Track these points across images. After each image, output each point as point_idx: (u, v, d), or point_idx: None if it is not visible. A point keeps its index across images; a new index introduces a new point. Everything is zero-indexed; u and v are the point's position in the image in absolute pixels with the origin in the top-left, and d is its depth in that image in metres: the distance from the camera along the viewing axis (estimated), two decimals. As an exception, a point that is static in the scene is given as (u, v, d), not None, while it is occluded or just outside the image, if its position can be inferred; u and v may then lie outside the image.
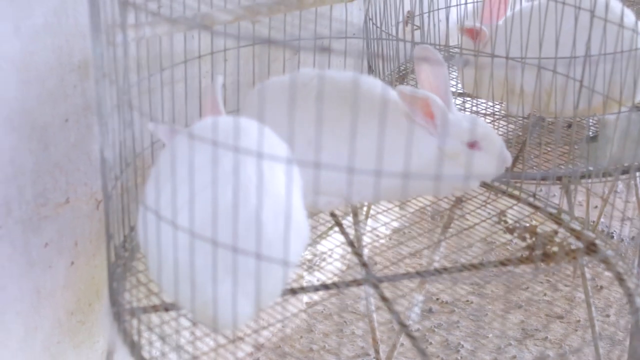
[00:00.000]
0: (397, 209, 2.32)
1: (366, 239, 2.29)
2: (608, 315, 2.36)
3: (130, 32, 1.68)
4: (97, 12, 1.61)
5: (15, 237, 1.96)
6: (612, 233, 2.57)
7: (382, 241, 2.39)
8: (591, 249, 2.04)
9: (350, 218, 2.28)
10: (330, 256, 2.26)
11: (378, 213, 2.23)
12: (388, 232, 2.54)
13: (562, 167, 2.32)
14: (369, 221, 2.50)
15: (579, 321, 2.32)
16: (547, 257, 2.01)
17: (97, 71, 1.63)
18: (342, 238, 2.13)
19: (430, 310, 2.42)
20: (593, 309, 2.19)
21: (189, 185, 1.45)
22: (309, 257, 2.05)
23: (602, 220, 2.66)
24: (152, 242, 1.53)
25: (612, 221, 1.91)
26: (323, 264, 1.99)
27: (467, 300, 1.80)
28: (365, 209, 2.56)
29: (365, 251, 2.21)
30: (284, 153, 1.63)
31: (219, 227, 1.44)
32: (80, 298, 2.16)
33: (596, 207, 3.04)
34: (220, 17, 1.86)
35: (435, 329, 1.92)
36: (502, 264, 1.98)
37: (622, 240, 1.90)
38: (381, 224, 2.22)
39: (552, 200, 2.18)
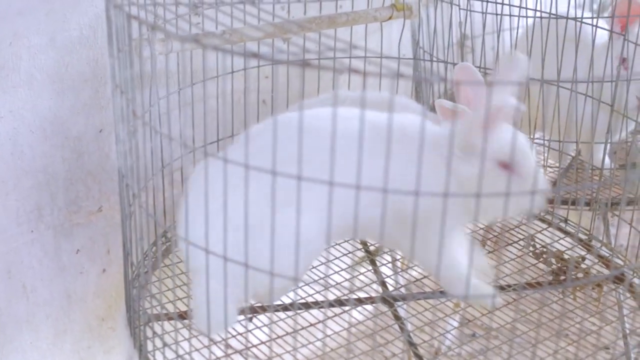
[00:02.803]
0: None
1: (387, 257, 2.29)
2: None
3: (154, 47, 1.73)
4: (110, 24, 1.66)
5: (47, 242, 2.02)
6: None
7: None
8: (618, 277, 2.01)
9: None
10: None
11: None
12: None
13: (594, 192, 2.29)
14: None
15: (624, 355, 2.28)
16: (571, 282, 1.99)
17: (111, 83, 1.68)
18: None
19: (473, 335, 2.41)
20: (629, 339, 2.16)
21: None
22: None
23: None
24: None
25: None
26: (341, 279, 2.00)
27: (512, 326, 1.79)
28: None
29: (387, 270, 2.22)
30: None
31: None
32: (112, 305, 2.22)
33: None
34: (250, 34, 1.90)
35: (477, 355, 1.91)
36: (528, 286, 1.96)
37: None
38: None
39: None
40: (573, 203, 2.23)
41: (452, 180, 1.58)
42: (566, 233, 2.19)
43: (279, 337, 1.72)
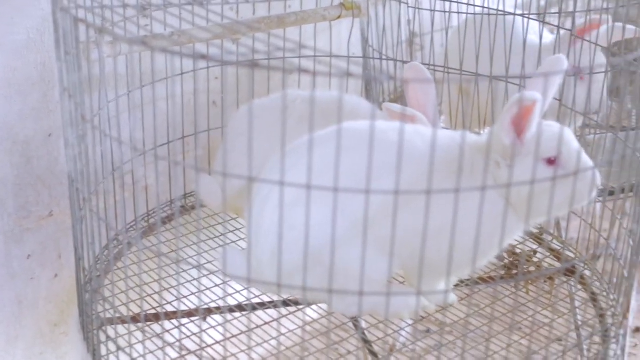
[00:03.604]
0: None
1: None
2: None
3: (102, 50, 1.72)
4: (57, 28, 1.65)
5: (-3, 248, 2.01)
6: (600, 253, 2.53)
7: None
8: (570, 270, 2.03)
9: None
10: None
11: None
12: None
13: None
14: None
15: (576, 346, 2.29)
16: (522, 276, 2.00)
17: (59, 86, 1.67)
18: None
19: (428, 331, 2.41)
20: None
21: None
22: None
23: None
24: None
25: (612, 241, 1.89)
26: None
27: (465, 321, 1.79)
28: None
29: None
30: None
31: None
32: (64, 310, 2.20)
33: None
34: (198, 36, 1.89)
35: (432, 350, 1.91)
36: (476, 282, 1.97)
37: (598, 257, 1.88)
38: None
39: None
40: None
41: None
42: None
43: (233, 336, 1.72)
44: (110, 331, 1.71)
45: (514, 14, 2.33)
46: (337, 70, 1.28)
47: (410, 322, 2.29)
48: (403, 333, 2.03)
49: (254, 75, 1.41)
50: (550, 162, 1.59)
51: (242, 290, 1.88)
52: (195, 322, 1.78)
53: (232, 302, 1.84)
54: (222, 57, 1.38)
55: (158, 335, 1.64)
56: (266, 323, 1.80)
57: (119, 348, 1.66)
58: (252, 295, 1.73)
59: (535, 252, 2.11)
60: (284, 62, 1.86)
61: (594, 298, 1.94)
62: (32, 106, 1.99)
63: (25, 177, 2.01)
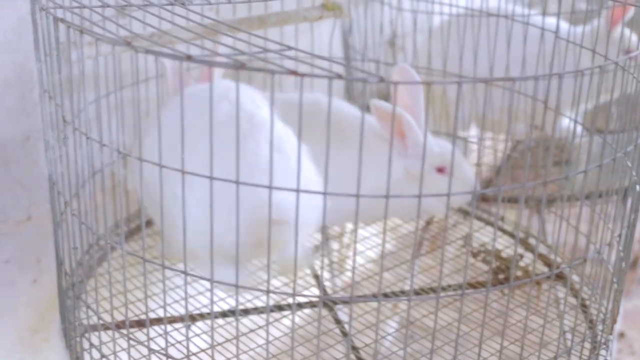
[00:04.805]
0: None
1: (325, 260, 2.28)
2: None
3: (82, 50, 1.68)
4: (37, 28, 1.61)
5: (-26, 253, 1.97)
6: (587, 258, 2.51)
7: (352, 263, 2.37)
8: (558, 274, 2.01)
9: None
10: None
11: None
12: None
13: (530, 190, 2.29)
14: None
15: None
16: (508, 281, 1.98)
17: (39, 87, 1.63)
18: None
19: (412, 337, 2.39)
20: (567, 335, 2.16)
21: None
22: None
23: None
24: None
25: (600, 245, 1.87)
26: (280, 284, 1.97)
27: (450, 326, 1.78)
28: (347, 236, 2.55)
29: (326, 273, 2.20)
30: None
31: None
32: (44, 316, 2.16)
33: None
34: (179, 36, 1.85)
35: (419, 356, 1.89)
36: (461, 287, 1.95)
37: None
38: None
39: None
40: (509, 201, 2.23)
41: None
42: (503, 231, 2.19)
43: (219, 344, 1.69)
44: (94, 338, 1.67)
45: (498, 15, 2.31)
46: (326, 72, 1.26)
47: (395, 326, 2.27)
48: (389, 338, 2.01)
49: (239, 77, 1.38)
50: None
51: (228, 297, 1.85)
52: (182, 329, 1.75)
53: (218, 309, 1.81)
54: (208, 58, 1.35)
55: (142, 343, 1.61)
56: (252, 331, 1.77)
57: (103, 356, 1.62)
58: (240, 302, 1.71)
59: (521, 256, 2.10)
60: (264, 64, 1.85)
61: (583, 304, 1.92)
62: (9, 108, 1.95)
63: (2, 181, 1.97)
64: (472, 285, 1.96)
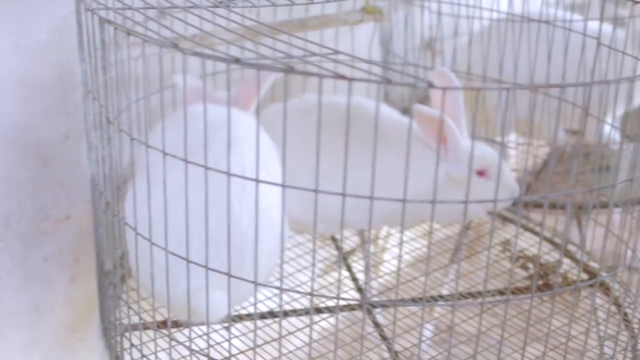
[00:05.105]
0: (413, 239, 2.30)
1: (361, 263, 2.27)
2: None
3: (128, 51, 1.69)
4: (81, 29, 1.61)
5: (14, 251, 1.97)
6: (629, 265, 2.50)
7: (388, 267, 2.37)
8: (600, 282, 2.00)
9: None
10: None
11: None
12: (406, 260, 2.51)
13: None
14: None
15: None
16: (547, 287, 1.98)
17: (83, 88, 1.63)
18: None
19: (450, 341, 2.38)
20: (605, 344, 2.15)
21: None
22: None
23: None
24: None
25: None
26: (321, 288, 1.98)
27: (489, 332, 1.78)
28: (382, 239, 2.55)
29: (363, 276, 2.19)
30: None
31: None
32: (81, 315, 2.17)
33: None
34: (221, 38, 1.85)
35: None
36: (501, 292, 1.94)
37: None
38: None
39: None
40: (549, 207, 2.22)
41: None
42: (543, 237, 2.18)
43: (258, 346, 1.69)
44: (134, 338, 1.67)
45: (540, 20, 2.30)
46: (376, 77, 1.26)
47: (431, 330, 2.27)
48: (428, 342, 2.01)
49: (285, 80, 1.37)
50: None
51: (273, 297, 1.85)
52: (222, 330, 1.75)
53: (262, 308, 1.82)
54: (256, 61, 1.35)
55: (183, 344, 1.60)
56: (290, 333, 1.77)
57: (143, 355, 1.63)
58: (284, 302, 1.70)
59: (560, 262, 2.08)
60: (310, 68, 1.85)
61: (623, 312, 1.91)
62: (50, 108, 1.96)
63: (42, 179, 1.98)
64: (512, 291, 1.95)
